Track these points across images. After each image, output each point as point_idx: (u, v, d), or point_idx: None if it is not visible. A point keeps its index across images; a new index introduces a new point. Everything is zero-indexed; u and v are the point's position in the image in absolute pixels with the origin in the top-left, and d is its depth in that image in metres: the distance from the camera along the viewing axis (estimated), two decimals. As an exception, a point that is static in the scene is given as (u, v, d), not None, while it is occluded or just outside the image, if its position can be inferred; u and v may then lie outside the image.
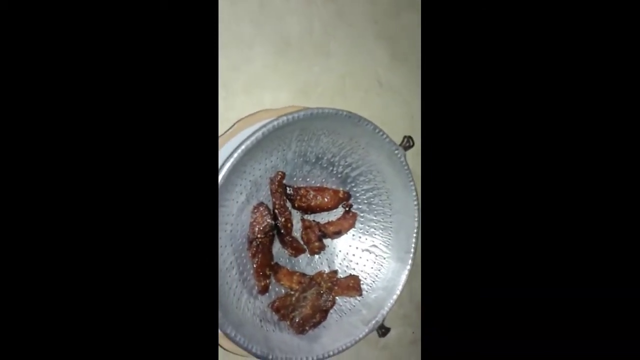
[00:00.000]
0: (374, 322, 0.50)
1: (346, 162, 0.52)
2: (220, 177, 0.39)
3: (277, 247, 0.50)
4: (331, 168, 0.52)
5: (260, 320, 0.46)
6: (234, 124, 0.45)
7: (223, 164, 0.39)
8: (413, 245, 0.51)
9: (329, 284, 0.50)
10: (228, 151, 0.40)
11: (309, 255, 0.52)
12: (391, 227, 0.53)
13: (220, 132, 0.45)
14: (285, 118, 0.42)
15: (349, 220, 0.53)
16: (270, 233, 0.47)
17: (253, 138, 0.40)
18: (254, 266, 0.46)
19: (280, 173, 0.47)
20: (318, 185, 0.52)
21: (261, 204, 0.47)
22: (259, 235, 0.46)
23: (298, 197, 0.50)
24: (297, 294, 0.48)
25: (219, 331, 0.41)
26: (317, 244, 0.50)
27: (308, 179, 0.51)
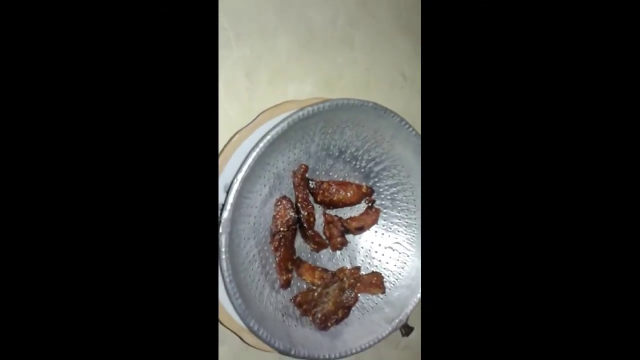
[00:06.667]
0: (397, 320, 0.49)
1: (370, 156, 0.51)
2: (245, 167, 0.38)
3: (298, 241, 0.49)
4: (354, 162, 0.51)
5: (283, 315, 0.45)
6: (258, 115, 0.44)
7: (248, 155, 0.39)
8: (438, 242, 0.50)
9: (352, 281, 0.49)
10: (253, 142, 0.39)
11: (330, 251, 0.51)
12: (415, 224, 0.52)
13: (243, 123, 0.44)
14: (310, 109, 0.41)
15: (371, 216, 0.52)
16: (293, 227, 0.46)
17: (278, 128, 0.39)
18: (277, 260, 0.46)
19: (303, 166, 0.47)
20: (341, 179, 0.51)
21: (284, 197, 0.46)
22: (281, 229, 0.45)
23: (320, 191, 0.49)
24: (319, 290, 0.47)
25: (243, 325, 0.40)
26: (339, 239, 0.49)
27: (331, 173, 0.50)
